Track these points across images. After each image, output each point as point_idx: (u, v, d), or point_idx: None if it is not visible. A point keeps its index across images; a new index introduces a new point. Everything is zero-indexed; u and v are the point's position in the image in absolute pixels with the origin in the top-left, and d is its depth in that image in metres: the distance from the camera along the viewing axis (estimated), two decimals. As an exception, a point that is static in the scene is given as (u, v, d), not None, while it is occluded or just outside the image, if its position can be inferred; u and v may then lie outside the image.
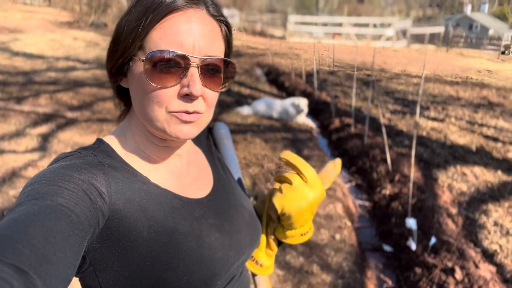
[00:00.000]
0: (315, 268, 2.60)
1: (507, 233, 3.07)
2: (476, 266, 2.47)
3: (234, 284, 0.70)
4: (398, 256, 2.84)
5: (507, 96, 8.60)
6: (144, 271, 0.57)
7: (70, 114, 5.08)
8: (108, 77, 0.65)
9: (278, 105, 5.84)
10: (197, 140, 0.81)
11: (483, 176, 4.10)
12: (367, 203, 3.70)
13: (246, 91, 7.64)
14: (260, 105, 5.93)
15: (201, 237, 0.63)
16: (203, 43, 0.57)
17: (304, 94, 7.31)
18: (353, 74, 5.64)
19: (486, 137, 5.48)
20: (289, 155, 0.71)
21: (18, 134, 4.46)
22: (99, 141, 0.64)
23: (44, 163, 3.77)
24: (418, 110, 2.91)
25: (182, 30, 0.56)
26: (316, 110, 6.49)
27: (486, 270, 2.47)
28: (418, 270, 2.56)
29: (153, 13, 0.56)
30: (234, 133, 5.04)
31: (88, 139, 4.34)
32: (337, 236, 2.98)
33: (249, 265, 0.80)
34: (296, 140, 4.99)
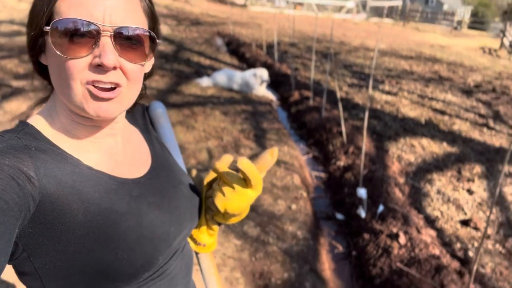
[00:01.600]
0: (271, 237, 2.71)
1: (448, 200, 3.34)
2: (418, 231, 2.68)
3: (177, 258, 0.72)
4: (349, 224, 3.02)
5: (456, 70, 9.06)
6: (82, 253, 0.56)
7: (15, 83, 4.76)
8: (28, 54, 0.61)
9: (238, 77, 5.79)
10: (133, 119, 0.79)
11: (430, 148, 4.37)
12: (322, 174, 3.85)
13: (206, 61, 7.48)
14: (220, 77, 5.85)
15: (140, 216, 0.63)
16: (116, 13, 0.55)
17: (264, 65, 7.28)
18: (313, 47, 5.68)
19: (435, 110, 5.80)
20: (244, 164, 0.69)
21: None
22: (23, 124, 0.61)
23: (-12, 136, 3.55)
24: (371, 83, 3.01)
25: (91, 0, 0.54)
26: (277, 82, 6.52)
27: (427, 235, 2.70)
28: (366, 236, 2.74)
29: None
30: (194, 105, 4.97)
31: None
32: (293, 206, 3.10)
33: (192, 247, 0.82)
34: (256, 112, 5.02)
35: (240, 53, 8.67)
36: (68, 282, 0.58)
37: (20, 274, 0.59)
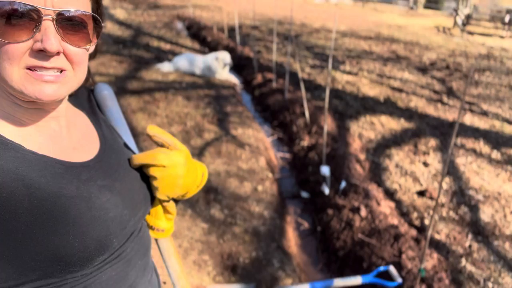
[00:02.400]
0: (238, 219, 2.74)
1: (406, 173, 3.51)
2: (378, 204, 2.81)
3: (133, 240, 0.71)
4: (314, 201, 3.11)
5: (413, 50, 9.37)
6: (31, 240, 0.55)
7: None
8: None
9: (200, 61, 5.71)
10: (77, 103, 0.78)
11: (388, 124, 4.54)
12: (287, 155, 3.92)
13: (166, 46, 7.30)
14: (182, 61, 5.74)
15: (91, 199, 0.62)
16: None
17: (226, 49, 7.21)
18: (274, 29, 5.67)
19: (393, 88, 6.00)
20: (153, 128, 0.74)
21: None
22: None
23: None
24: (330, 63, 3.07)
25: None
26: (239, 65, 6.48)
27: (386, 207, 2.83)
28: (330, 211, 2.84)
29: None
30: (155, 91, 4.87)
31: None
32: (259, 188, 3.14)
33: (151, 233, 0.82)
34: (219, 96, 4.99)
35: (202, 37, 8.52)
36: (19, 269, 0.56)
37: None
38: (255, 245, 2.53)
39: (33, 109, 0.61)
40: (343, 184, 3.06)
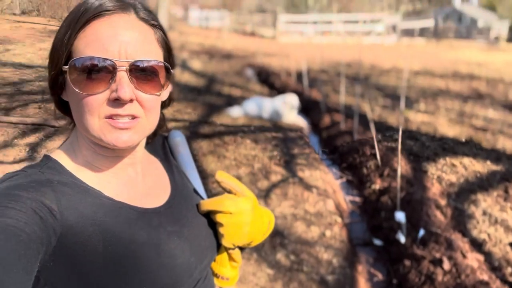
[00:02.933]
0: (305, 266, 2.61)
1: (496, 221, 3.10)
2: (464, 256, 2.49)
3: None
4: (388, 250, 2.86)
5: (496, 86, 8.67)
6: (102, 285, 0.56)
7: (58, 123, 5.06)
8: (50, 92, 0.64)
9: (268, 105, 5.85)
10: (153, 150, 0.80)
11: (472, 167, 4.13)
12: (357, 199, 3.72)
13: (236, 92, 7.65)
14: (250, 106, 5.94)
15: (160, 246, 0.62)
16: (131, 47, 0.57)
17: (294, 93, 7.32)
18: (343, 71, 5.65)
19: (476, 128, 5.52)
20: (221, 174, 0.75)
21: (5, 145, 4.44)
22: (46, 158, 0.63)
23: (33, 173, 3.76)
24: (402, 103, 2.93)
25: (106, 35, 0.56)
26: (307, 108, 6.51)
27: (473, 259, 2.49)
28: (407, 262, 2.58)
29: (77, 22, 0.57)
30: (225, 135, 5.04)
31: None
32: (328, 233, 2.99)
33: (216, 281, 0.80)
34: (287, 139, 5.00)
35: (270, 82, 8.80)
36: None
37: None
38: (323, 295, 2.36)
39: (112, 156, 0.65)
40: (422, 232, 2.78)
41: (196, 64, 10.68)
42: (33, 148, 4.57)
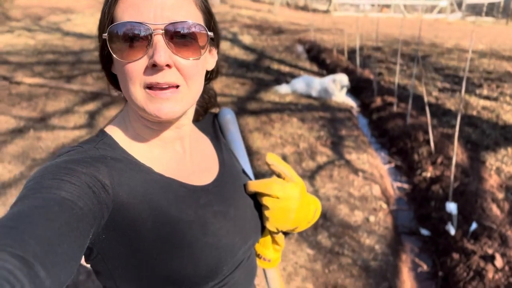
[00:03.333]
0: (346, 249, 2.58)
1: (561, 221, 2.85)
2: (520, 255, 2.33)
3: (241, 268, 0.71)
4: (436, 241, 2.75)
5: None
6: (150, 260, 0.58)
7: (115, 93, 5.30)
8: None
9: (317, 83, 5.70)
10: (203, 127, 0.80)
11: (538, 160, 3.80)
12: (406, 185, 3.58)
13: (285, 68, 7.52)
14: (299, 83, 5.83)
15: (206, 225, 0.63)
16: (167, 10, 0.55)
17: (345, 71, 7.07)
18: (399, 49, 5.35)
19: (546, 117, 5.03)
20: (272, 156, 0.74)
21: (67, 111, 4.74)
22: (102, 133, 0.64)
23: (90, 139, 3.99)
24: (464, 86, 2.72)
25: (142, 0, 0.54)
26: (358, 88, 6.27)
27: (531, 260, 2.33)
28: (455, 255, 2.46)
29: None
30: (272, 112, 5.02)
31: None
32: (372, 218, 2.92)
33: (258, 262, 0.81)
34: (335, 119, 4.88)
35: (321, 60, 8.55)
36: (138, 284, 0.60)
37: (96, 273, 0.62)
38: (364, 281, 2.34)
39: (158, 130, 0.65)
40: (474, 225, 2.63)
41: (246, 38, 10.59)
42: (92, 115, 4.86)
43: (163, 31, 0.54)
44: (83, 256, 0.58)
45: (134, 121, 0.65)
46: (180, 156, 0.68)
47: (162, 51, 0.54)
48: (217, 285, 0.65)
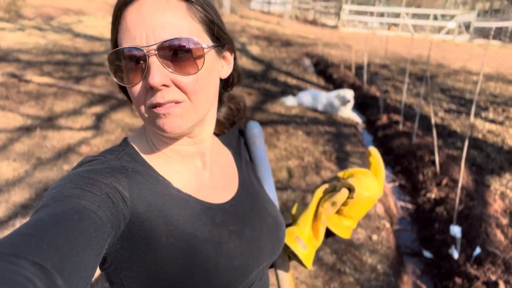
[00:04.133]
0: (348, 268, 2.56)
1: None
2: (524, 284, 2.30)
3: None
4: (438, 264, 2.72)
5: None
6: (162, 274, 0.58)
7: (122, 96, 5.31)
8: None
9: (324, 98, 5.72)
10: (227, 141, 0.80)
11: (543, 187, 3.78)
12: (409, 205, 3.56)
13: (292, 81, 7.56)
14: (306, 97, 5.85)
15: (220, 244, 0.62)
16: (158, 29, 0.53)
17: (352, 87, 7.09)
18: (406, 68, 5.36)
19: (551, 144, 5.02)
20: (373, 150, 0.78)
21: (75, 112, 4.76)
22: (125, 143, 0.65)
23: (96, 142, 4.00)
24: (473, 109, 2.73)
25: (134, 23, 0.54)
26: (364, 104, 6.29)
27: (535, 289, 2.30)
28: (458, 280, 2.43)
29: (115, 15, 0.57)
30: (277, 124, 5.02)
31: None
32: (374, 237, 2.90)
33: (290, 242, 0.76)
34: (340, 134, 4.88)
35: (328, 74, 8.59)
36: None
37: (110, 282, 0.62)
38: (364, 301, 2.31)
39: (177, 145, 0.65)
40: (478, 250, 2.61)
41: (254, 49, 10.67)
42: (99, 117, 4.87)
43: (156, 52, 0.53)
44: (99, 265, 0.58)
45: (152, 135, 0.65)
46: (200, 172, 0.68)
47: (156, 72, 0.53)
48: None
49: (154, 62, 0.53)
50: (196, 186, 0.66)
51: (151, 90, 0.55)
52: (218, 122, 0.76)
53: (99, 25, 11.46)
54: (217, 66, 0.62)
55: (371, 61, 10.07)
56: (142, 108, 0.57)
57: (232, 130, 0.83)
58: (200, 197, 0.65)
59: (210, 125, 0.67)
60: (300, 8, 23.68)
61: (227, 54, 0.65)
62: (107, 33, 10.51)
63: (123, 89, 0.64)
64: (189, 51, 0.55)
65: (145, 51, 0.53)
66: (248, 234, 0.67)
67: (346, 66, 8.89)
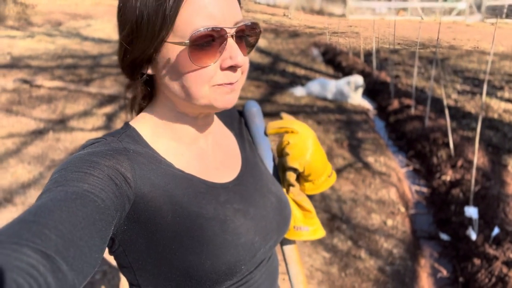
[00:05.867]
0: (363, 253, 2.53)
1: None
2: (546, 262, 2.24)
3: (262, 269, 0.69)
4: (456, 246, 2.67)
5: None
6: (169, 254, 0.58)
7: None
8: (125, 70, 0.62)
9: (333, 85, 5.66)
10: (229, 123, 0.80)
11: None
12: (424, 189, 3.50)
13: (301, 71, 7.50)
14: (314, 86, 5.79)
15: (226, 222, 0.62)
16: (230, 10, 0.55)
17: (362, 73, 6.99)
18: (416, 52, 5.27)
19: None
20: (283, 115, 0.81)
21: (85, 113, 4.82)
22: (126, 126, 0.64)
23: (107, 141, 4.05)
24: (485, 89, 2.65)
25: (208, 1, 0.53)
26: (374, 90, 6.20)
27: (558, 267, 2.24)
28: (477, 261, 2.39)
29: None
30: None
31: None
32: (389, 222, 2.87)
33: (294, 235, 0.78)
34: (351, 122, 4.83)
35: (336, 62, 8.48)
36: (157, 279, 0.61)
37: (120, 266, 0.63)
38: (381, 286, 2.29)
39: (190, 126, 0.66)
40: (496, 230, 2.55)
41: (261, 42, 10.60)
42: (109, 117, 4.92)
43: (234, 34, 0.56)
44: (107, 248, 0.58)
45: (166, 117, 0.64)
46: (203, 153, 0.68)
47: (239, 53, 0.56)
48: (236, 284, 0.64)
49: (233, 42, 0.56)
50: (199, 167, 0.66)
51: (226, 69, 0.57)
52: None
53: (107, 28, 11.57)
54: None
55: (380, 47, 9.89)
56: (205, 87, 0.57)
57: (233, 111, 0.83)
58: (203, 177, 0.65)
59: None
60: (306, -1, 23.46)
61: None
62: (114, 35, 10.54)
63: (133, 71, 0.61)
64: (253, 34, 0.60)
65: (227, 32, 0.55)
66: (253, 213, 0.67)
67: (355, 54, 8.77)
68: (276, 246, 0.75)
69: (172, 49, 0.55)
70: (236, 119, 0.83)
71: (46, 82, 5.79)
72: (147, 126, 0.64)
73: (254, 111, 0.85)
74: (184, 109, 0.63)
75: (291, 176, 0.77)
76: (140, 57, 0.58)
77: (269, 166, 0.81)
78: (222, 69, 0.56)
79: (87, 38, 10.05)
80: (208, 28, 0.53)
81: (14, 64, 7.05)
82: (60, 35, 10.37)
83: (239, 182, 0.70)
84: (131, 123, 0.65)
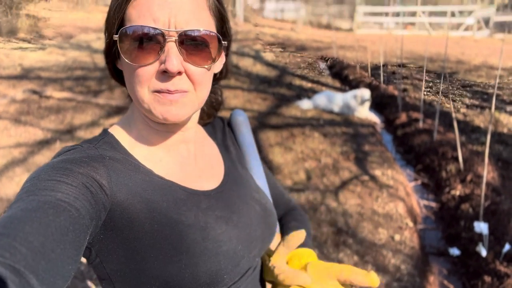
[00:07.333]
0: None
1: None
2: (560, 281, 2.16)
3: (247, 279, 0.66)
4: (466, 262, 2.60)
5: None
6: (149, 263, 0.55)
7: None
8: (108, 66, 0.64)
9: (339, 99, 5.65)
10: (212, 132, 0.79)
11: None
12: (433, 204, 3.44)
13: (307, 84, 7.52)
14: (321, 99, 5.79)
15: (206, 229, 0.59)
16: (181, 16, 0.54)
17: (369, 87, 6.97)
18: (424, 66, 5.24)
19: None
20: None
21: (93, 124, 4.86)
22: (104, 132, 0.63)
23: (113, 151, 4.06)
24: (493, 103, 2.62)
25: (157, 3, 0.53)
26: (381, 104, 6.17)
27: None
28: (487, 278, 2.31)
29: None
30: (293, 127, 4.98)
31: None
32: (397, 237, 2.80)
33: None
34: (357, 135, 4.79)
35: (343, 76, 8.49)
36: None
37: (99, 278, 0.60)
38: (388, 302, 2.22)
39: (164, 131, 0.64)
40: (508, 247, 2.48)
41: (269, 55, 10.68)
42: (115, 128, 4.92)
43: (176, 39, 0.54)
44: (86, 258, 0.56)
45: (139, 122, 0.64)
46: (184, 160, 0.67)
47: (175, 58, 0.53)
48: None
49: (173, 47, 0.54)
50: (180, 174, 0.64)
51: (162, 74, 0.55)
52: (202, 111, 0.77)
53: (117, 41, 11.76)
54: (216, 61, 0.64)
55: (387, 61, 9.90)
56: (145, 90, 0.56)
57: (216, 121, 0.82)
58: (184, 184, 0.63)
59: (196, 114, 0.68)
60: (313, 13, 23.69)
61: (223, 51, 0.66)
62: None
63: (116, 71, 0.63)
64: (207, 44, 0.56)
65: (166, 35, 0.53)
66: (236, 220, 0.65)
67: (362, 68, 8.78)
68: (261, 255, 0.72)
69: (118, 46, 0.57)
70: (219, 129, 0.82)
71: (55, 93, 5.87)
72: (125, 132, 0.63)
73: (241, 119, 0.85)
74: (145, 115, 0.62)
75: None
76: (106, 49, 0.60)
77: (257, 173, 0.80)
78: (159, 73, 0.55)
79: (97, 50, 10.21)
80: (138, 26, 0.53)
81: (24, 75, 7.17)
82: (71, 47, 10.56)
83: (221, 189, 0.68)
84: (110, 129, 0.64)
